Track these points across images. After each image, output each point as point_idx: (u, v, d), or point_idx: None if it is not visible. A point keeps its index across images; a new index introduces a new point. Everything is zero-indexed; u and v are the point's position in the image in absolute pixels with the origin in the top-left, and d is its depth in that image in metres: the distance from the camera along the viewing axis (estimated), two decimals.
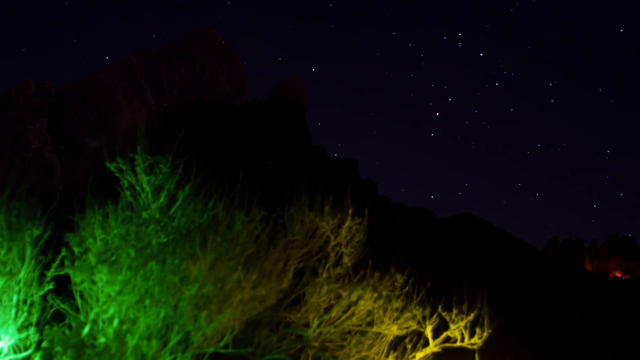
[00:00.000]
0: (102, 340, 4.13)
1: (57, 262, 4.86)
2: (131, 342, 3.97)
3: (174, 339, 4.32)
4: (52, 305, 5.26)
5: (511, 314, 37.56)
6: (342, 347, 5.02)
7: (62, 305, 5.08)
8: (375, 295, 4.62)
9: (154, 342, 4.01)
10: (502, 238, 47.06)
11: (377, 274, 4.71)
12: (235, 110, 45.82)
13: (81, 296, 4.38)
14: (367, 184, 46.91)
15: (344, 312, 4.70)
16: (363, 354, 5.17)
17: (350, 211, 5.15)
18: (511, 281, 41.22)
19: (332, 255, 5.15)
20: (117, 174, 5.23)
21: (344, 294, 4.63)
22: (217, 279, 4.18)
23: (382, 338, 5.30)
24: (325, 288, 4.67)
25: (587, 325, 37.07)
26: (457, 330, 4.90)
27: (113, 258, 3.97)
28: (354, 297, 4.58)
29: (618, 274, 48.42)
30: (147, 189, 5.14)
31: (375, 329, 5.23)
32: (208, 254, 4.06)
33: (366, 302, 4.64)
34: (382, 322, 5.21)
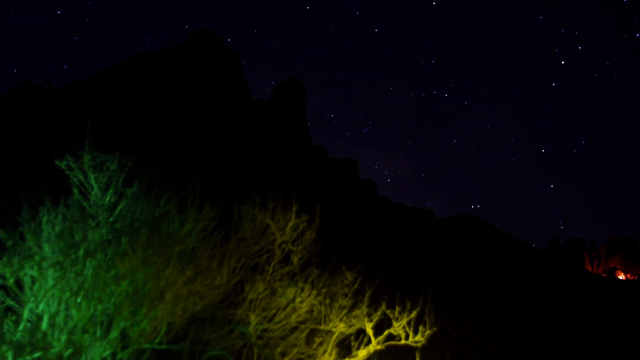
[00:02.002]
0: (39, 336, 4.19)
1: (4, 259, 4.91)
2: (64, 336, 4.02)
3: (111, 335, 4.37)
4: (2, 302, 5.33)
5: (511, 314, 37.47)
6: (289, 345, 5.04)
7: (11, 302, 5.14)
8: (315, 292, 4.64)
9: (86, 337, 4.05)
10: (502, 238, 46.93)
11: (316, 271, 4.74)
12: (235, 111, 45.93)
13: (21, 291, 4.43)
14: (367, 184, 46.90)
15: (284, 309, 4.73)
16: (310, 352, 5.19)
17: (294, 208, 5.17)
18: (511, 281, 41.11)
19: (278, 253, 5.18)
20: (67, 172, 5.29)
21: (280, 291, 4.65)
22: (152, 275, 4.22)
23: (331, 336, 5.32)
24: (261, 285, 4.70)
25: (587, 326, 36.90)
26: (399, 327, 4.91)
27: (36, 255, 4.01)
28: (290, 295, 4.60)
29: (618, 275, 48.13)
30: (95, 186, 5.19)
31: (323, 326, 5.26)
32: (138, 250, 4.10)
33: (305, 300, 4.66)
34: (329, 320, 5.23)
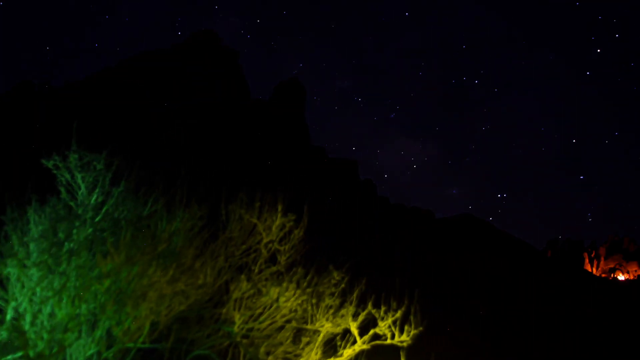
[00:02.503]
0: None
1: None
2: (46, 335, 4.03)
3: (96, 334, 4.37)
4: None
5: (511, 314, 37.43)
6: (274, 344, 5.04)
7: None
8: (299, 292, 4.65)
9: (68, 335, 4.06)
10: (502, 238, 46.91)
11: (301, 271, 4.74)
12: (235, 111, 45.93)
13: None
14: (367, 184, 46.87)
15: (269, 308, 4.73)
16: (297, 351, 5.19)
17: (280, 208, 5.17)
18: (511, 281, 41.06)
19: (264, 252, 5.18)
20: (54, 171, 5.29)
21: (263, 290, 4.66)
22: (136, 275, 4.22)
23: (318, 335, 5.32)
24: (245, 285, 4.70)
25: (587, 326, 36.83)
26: (385, 327, 4.91)
27: (19, 253, 4.02)
28: (274, 294, 4.61)
29: (618, 275, 48.03)
30: (82, 185, 5.20)
31: (309, 326, 5.26)
32: (121, 249, 4.11)
33: (290, 299, 4.66)
34: (316, 319, 5.24)
